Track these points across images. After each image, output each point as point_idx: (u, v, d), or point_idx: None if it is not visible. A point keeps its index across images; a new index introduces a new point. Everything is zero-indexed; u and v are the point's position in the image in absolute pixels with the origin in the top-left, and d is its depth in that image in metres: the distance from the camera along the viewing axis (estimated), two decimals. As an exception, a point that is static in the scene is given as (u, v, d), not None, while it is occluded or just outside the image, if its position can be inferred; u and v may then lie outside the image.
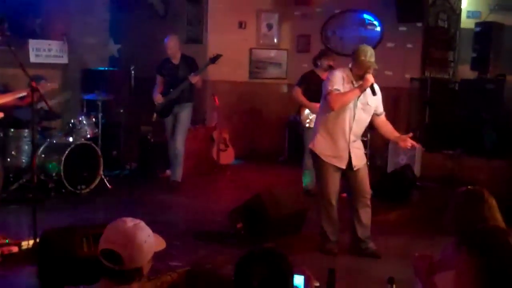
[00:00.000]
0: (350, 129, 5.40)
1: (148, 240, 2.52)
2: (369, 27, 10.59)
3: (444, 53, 10.03)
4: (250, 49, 10.90)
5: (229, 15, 10.55)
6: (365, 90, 5.29)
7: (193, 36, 10.60)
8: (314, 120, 7.78)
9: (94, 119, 7.94)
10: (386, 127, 5.65)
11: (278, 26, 11.08)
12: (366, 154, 8.25)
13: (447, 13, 10.19)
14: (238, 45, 10.65)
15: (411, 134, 5.56)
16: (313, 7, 10.70)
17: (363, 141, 8.31)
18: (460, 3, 10.58)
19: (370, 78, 5.23)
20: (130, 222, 2.52)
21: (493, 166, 8.03)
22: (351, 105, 5.34)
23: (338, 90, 5.29)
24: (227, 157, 9.52)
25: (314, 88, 7.84)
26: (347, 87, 5.33)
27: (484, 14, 11.35)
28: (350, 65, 5.46)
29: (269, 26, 11.04)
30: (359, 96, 5.33)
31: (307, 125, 7.87)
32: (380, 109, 5.57)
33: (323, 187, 5.54)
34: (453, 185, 7.01)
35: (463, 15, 11.24)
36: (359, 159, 5.56)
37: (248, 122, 10.68)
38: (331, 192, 5.51)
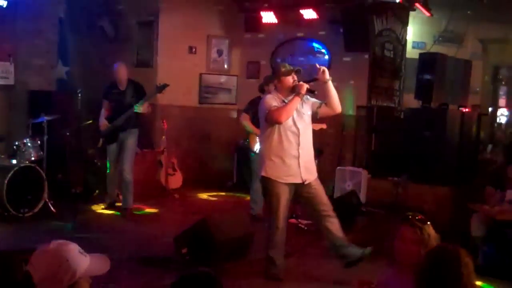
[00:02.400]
0: (298, 144, 5.50)
1: (72, 261, 2.29)
2: (318, 55, 10.76)
3: (390, 82, 10.26)
4: (200, 74, 10.92)
5: (180, 40, 10.57)
6: (303, 95, 5.42)
7: (143, 60, 10.56)
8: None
9: (39, 142, 7.81)
10: (328, 102, 5.64)
11: (228, 52, 11.16)
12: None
13: (393, 44, 10.44)
14: (188, 70, 10.66)
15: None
16: (263, 34, 10.82)
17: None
18: (406, 34, 10.86)
19: (302, 84, 5.41)
20: (54, 243, 2.34)
21: (437, 193, 8.19)
22: (291, 122, 5.45)
23: (276, 106, 5.42)
24: (175, 181, 9.48)
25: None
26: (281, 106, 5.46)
27: (428, 45, 11.70)
28: (272, 90, 5.72)
29: (220, 52, 11.10)
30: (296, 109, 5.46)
31: (256, 150, 7.91)
32: (317, 103, 5.65)
33: (275, 211, 5.53)
34: (398, 211, 7.16)
35: (409, 45, 11.55)
36: (309, 172, 5.63)
37: (197, 146, 10.67)
38: (282, 217, 5.54)
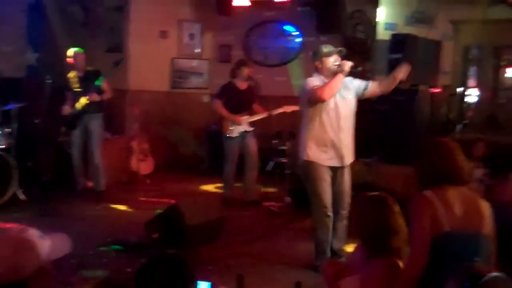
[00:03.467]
0: (339, 127, 5.39)
1: (33, 247, 2.17)
2: (290, 38, 10.76)
3: (362, 64, 10.24)
4: (172, 59, 10.86)
5: (151, 24, 10.47)
6: (347, 72, 5.27)
7: (114, 45, 10.47)
8: (236, 129, 7.87)
9: (8, 129, 7.71)
10: (382, 84, 5.68)
11: (200, 36, 11.10)
12: (284, 163, 8.41)
13: (365, 25, 10.46)
14: (160, 54, 10.60)
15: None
16: (235, 17, 10.75)
17: (282, 150, 8.52)
18: (376, 15, 10.89)
19: (345, 61, 5.28)
20: (12, 231, 2.22)
21: (408, 173, 8.23)
22: (333, 104, 5.33)
23: (319, 86, 5.29)
24: (147, 167, 9.45)
25: (234, 99, 7.94)
26: None
27: (400, 26, 11.73)
28: (314, 75, 5.47)
29: (191, 36, 11.04)
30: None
31: (228, 134, 7.91)
32: (363, 85, 5.55)
33: (319, 194, 5.39)
34: (370, 192, 7.21)
35: (381, 27, 11.57)
36: (348, 157, 5.52)
37: (169, 131, 10.62)
38: (328, 203, 5.39)
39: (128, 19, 10.33)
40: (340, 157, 5.42)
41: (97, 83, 7.69)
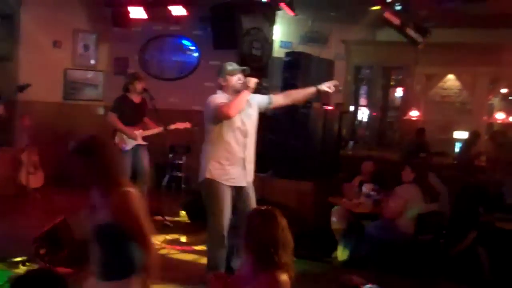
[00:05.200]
0: (245, 146, 5.35)
1: None
2: (187, 52, 10.79)
3: (256, 78, 10.40)
4: (65, 70, 10.59)
5: (44, 33, 10.18)
6: (252, 88, 5.26)
7: (3, 54, 10.06)
8: (129, 143, 7.77)
9: None
10: (291, 94, 5.75)
11: (95, 47, 10.90)
12: (180, 177, 8.40)
13: (261, 42, 10.63)
14: (53, 65, 10.31)
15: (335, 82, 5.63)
16: (131, 30, 10.64)
17: (178, 164, 8.50)
18: (273, 33, 11.11)
19: (250, 78, 5.27)
20: None
21: (301, 188, 8.43)
22: (239, 123, 5.28)
23: (224, 103, 5.23)
24: (37, 180, 9.13)
25: (129, 113, 7.84)
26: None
27: (295, 45, 12.05)
28: (217, 92, 5.40)
29: (86, 47, 10.82)
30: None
31: (122, 148, 7.79)
32: (266, 99, 5.57)
33: (218, 217, 5.29)
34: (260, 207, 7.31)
35: (277, 44, 11.83)
36: (250, 175, 5.48)
37: (62, 144, 10.22)
38: (225, 223, 5.32)
39: (19, 27, 9.97)
40: (244, 176, 5.39)
41: None
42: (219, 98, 5.32)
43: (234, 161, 5.32)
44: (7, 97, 7.58)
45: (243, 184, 5.39)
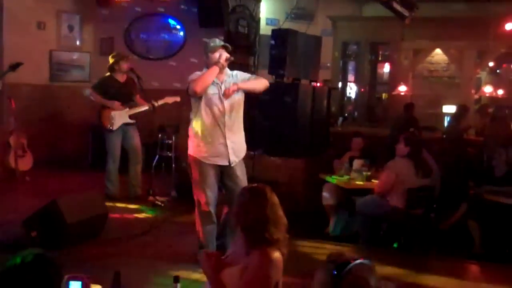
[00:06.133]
0: (224, 124, 5.24)
1: None
2: (173, 31, 10.71)
3: (245, 58, 10.40)
4: (50, 51, 10.48)
5: (27, 15, 10.05)
6: (222, 64, 5.18)
7: (-13, 36, 9.94)
8: (116, 121, 7.73)
9: None
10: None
11: (79, 27, 10.79)
12: (171, 156, 8.36)
13: (247, 20, 10.58)
14: (37, 46, 10.19)
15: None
16: (116, 10, 10.53)
17: (167, 144, 8.46)
18: (259, 10, 11.04)
19: (222, 53, 5.20)
20: None
21: (291, 165, 8.43)
22: (216, 100, 5.20)
23: None
24: (26, 163, 9.04)
25: (114, 92, 7.80)
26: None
27: (281, 22, 11.98)
28: (204, 69, 5.30)
29: (70, 28, 10.70)
30: (221, 85, 5.24)
31: (109, 127, 7.76)
32: (247, 76, 5.48)
33: (202, 194, 5.27)
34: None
35: (263, 22, 11.76)
36: (237, 155, 5.36)
37: (50, 126, 10.24)
38: (211, 200, 5.28)
39: (2, 9, 9.82)
40: (226, 155, 5.28)
41: None
42: (196, 74, 5.28)
43: (213, 140, 5.25)
44: (0, 75, 7.53)
45: (225, 163, 5.30)
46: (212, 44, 5.32)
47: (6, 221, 6.57)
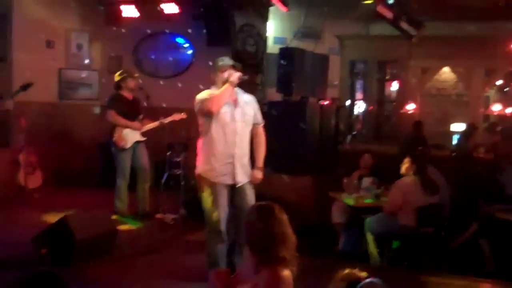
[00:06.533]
0: (234, 144, 5.23)
1: None
2: (182, 50, 10.75)
3: (253, 76, 10.40)
4: (60, 69, 10.54)
5: (37, 33, 10.12)
6: (234, 83, 5.19)
7: (-3, 54, 10.01)
8: (129, 141, 7.73)
9: None
10: (258, 141, 5.50)
11: (88, 46, 10.85)
12: (179, 174, 8.35)
13: (255, 39, 10.61)
14: (46, 65, 10.25)
15: (261, 169, 5.44)
16: (124, 27, 10.60)
17: (176, 162, 8.45)
18: (266, 29, 11.09)
19: (233, 72, 5.19)
20: None
21: (300, 183, 8.41)
22: (228, 119, 5.20)
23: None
24: (35, 180, 9.07)
25: (124, 109, 7.81)
26: None
27: (289, 40, 12.02)
28: (211, 87, 5.32)
29: (79, 46, 10.76)
30: (236, 104, 5.25)
31: (122, 145, 7.75)
32: (259, 117, 5.49)
33: (212, 212, 5.24)
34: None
35: (271, 41, 11.81)
36: (244, 174, 5.34)
37: (59, 144, 10.26)
38: (221, 219, 5.24)
39: (11, 27, 9.90)
40: (234, 175, 5.26)
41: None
42: (205, 93, 5.27)
43: (221, 159, 5.22)
44: (12, 94, 7.63)
45: (233, 182, 5.26)
46: (220, 63, 5.33)
47: (16, 238, 6.57)
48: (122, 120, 7.75)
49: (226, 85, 5.17)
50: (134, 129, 7.76)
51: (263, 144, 5.51)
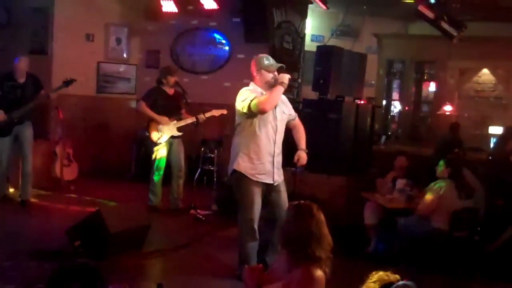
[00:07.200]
0: (274, 142, 5.33)
1: None
2: (219, 46, 10.78)
3: (289, 74, 10.36)
4: (98, 63, 10.68)
5: (77, 27, 10.28)
6: (286, 84, 5.23)
7: (37, 47, 10.17)
8: (164, 136, 7.80)
9: None
10: (298, 130, 5.69)
11: (127, 40, 10.97)
12: (213, 170, 8.40)
13: (292, 36, 10.59)
14: (86, 58, 10.40)
15: (305, 151, 5.59)
16: (163, 23, 10.69)
17: (210, 158, 8.49)
18: (304, 27, 11.05)
19: (284, 74, 5.25)
20: None
21: (333, 182, 8.37)
22: (271, 118, 5.28)
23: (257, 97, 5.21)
24: (71, 172, 9.22)
25: (162, 103, 7.88)
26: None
27: (326, 38, 11.98)
28: (250, 84, 5.39)
29: (118, 40, 10.88)
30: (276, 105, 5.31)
31: (157, 140, 7.81)
32: (293, 112, 5.62)
33: (248, 209, 5.29)
34: (295, 200, 7.28)
35: (308, 38, 11.76)
36: (280, 173, 5.47)
37: (95, 137, 10.42)
38: (255, 215, 5.29)
39: (52, 20, 10.06)
40: (272, 173, 5.34)
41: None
42: (252, 91, 5.29)
43: (263, 156, 5.29)
44: (55, 90, 7.85)
45: (270, 181, 5.34)
46: (267, 63, 5.35)
47: (51, 230, 6.70)
48: (148, 112, 7.82)
49: (279, 87, 5.20)
50: (160, 122, 7.81)
51: (303, 130, 5.71)
